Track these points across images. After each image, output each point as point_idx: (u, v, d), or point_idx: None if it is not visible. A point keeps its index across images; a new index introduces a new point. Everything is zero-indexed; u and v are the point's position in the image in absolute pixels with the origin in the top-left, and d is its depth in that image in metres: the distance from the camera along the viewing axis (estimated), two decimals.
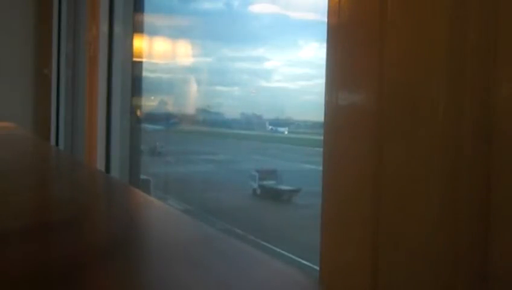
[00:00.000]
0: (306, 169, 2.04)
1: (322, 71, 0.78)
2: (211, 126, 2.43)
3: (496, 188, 0.55)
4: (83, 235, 0.33)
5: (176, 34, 2.47)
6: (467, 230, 0.58)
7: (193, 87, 2.45)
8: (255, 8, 2.21)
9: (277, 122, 2.09)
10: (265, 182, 2.09)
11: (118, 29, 2.20)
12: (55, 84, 2.94)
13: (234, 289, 0.24)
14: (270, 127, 2.11)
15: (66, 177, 0.68)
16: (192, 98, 2.45)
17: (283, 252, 1.66)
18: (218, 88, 2.38)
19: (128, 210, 0.45)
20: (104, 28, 2.19)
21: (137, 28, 2.28)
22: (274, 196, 2.11)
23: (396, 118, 0.66)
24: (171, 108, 2.61)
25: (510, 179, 0.54)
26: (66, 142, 2.89)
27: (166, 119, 2.56)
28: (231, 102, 2.30)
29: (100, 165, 2.16)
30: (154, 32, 2.45)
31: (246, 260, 0.28)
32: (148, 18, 2.35)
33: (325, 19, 0.79)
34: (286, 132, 2.07)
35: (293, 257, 1.58)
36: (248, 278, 0.25)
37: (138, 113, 2.32)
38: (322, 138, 0.79)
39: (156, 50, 2.53)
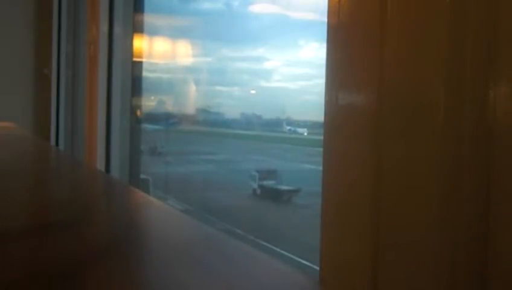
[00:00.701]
0: (306, 169, 2.04)
1: (322, 71, 0.78)
2: (211, 126, 2.43)
3: (496, 188, 0.55)
4: (83, 235, 0.33)
5: (175, 34, 2.47)
6: (466, 230, 0.58)
7: (193, 87, 2.45)
8: (255, 8, 2.21)
9: (295, 123, 2.01)
10: (265, 182, 2.09)
11: (118, 29, 2.20)
12: (55, 84, 2.94)
13: (234, 289, 0.24)
14: (289, 128, 2.06)
15: (66, 177, 0.68)
16: (192, 98, 2.45)
17: (283, 252, 1.66)
18: (218, 88, 2.38)
19: (128, 210, 0.45)
20: (104, 28, 2.19)
21: (137, 28, 2.28)
22: (274, 196, 2.10)
23: (396, 118, 0.66)
24: (171, 108, 2.61)
25: (510, 179, 0.54)
26: (66, 142, 2.89)
27: (166, 119, 2.56)
28: (231, 102, 2.30)
29: (100, 165, 2.16)
30: (154, 32, 2.45)
31: (246, 260, 0.28)
32: (148, 18, 2.35)
33: (325, 19, 0.79)
34: (306, 133, 1.99)
35: (293, 257, 1.58)
36: (248, 278, 0.25)
37: (138, 113, 2.32)
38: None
39: (156, 50, 2.53)
